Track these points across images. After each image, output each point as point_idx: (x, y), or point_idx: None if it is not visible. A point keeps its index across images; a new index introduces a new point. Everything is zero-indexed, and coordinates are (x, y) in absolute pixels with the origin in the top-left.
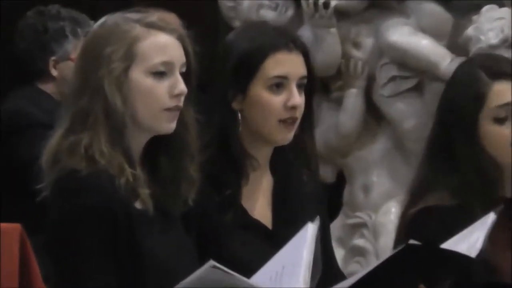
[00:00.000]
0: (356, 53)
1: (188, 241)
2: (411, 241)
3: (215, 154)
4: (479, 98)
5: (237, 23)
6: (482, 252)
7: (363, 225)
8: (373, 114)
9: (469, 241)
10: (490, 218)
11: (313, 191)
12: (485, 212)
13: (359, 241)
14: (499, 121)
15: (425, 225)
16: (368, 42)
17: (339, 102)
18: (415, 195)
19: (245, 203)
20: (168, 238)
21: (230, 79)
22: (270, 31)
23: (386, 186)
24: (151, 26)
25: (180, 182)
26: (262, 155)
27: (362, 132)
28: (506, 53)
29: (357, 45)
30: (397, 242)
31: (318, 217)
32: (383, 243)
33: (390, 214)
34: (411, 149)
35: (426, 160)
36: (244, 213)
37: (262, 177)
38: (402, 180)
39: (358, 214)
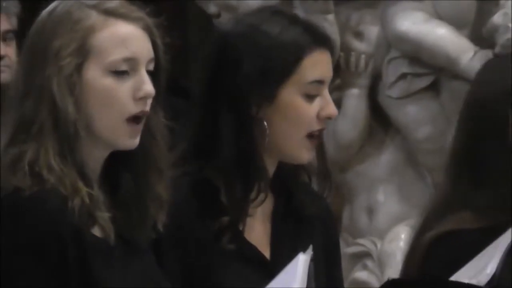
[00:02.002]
0: (358, 45)
1: (157, 273)
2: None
3: (214, 172)
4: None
5: (212, 8)
6: (495, 279)
7: (367, 254)
8: (379, 119)
9: (478, 267)
10: (506, 238)
11: (319, 214)
12: None
13: (361, 274)
14: None
15: (446, 253)
16: (372, 31)
17: (337, 105)
18: (431, 216)
19: (245, 231)
20: (131, 271)
21: (254, 81)
22: (302, 23)
23: (395, 207)
24: (111, 13)
25: (147, 203)
26: (271, 173)
27: (365, 141)
28: None
29: (359, 35)
30: (404, 274)
31: (311, 247)
32: (390, 276)
33: (399, 241)
34: (425, 163)
35: (447, 175)
36: (244, 243)
37: (262, 201)
38: (414, 200)
39: (360, 241)
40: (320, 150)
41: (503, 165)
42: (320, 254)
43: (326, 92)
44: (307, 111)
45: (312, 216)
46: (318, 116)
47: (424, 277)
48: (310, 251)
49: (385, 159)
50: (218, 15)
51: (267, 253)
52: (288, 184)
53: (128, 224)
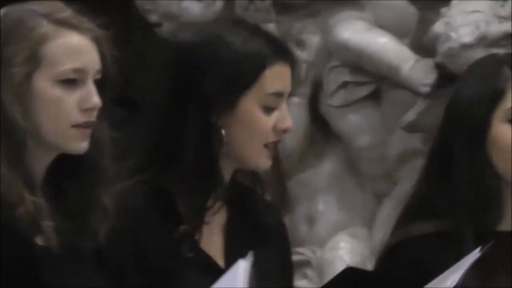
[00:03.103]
0: (299, 54)
1: (98, 283)
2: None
3: (171, 180)
4: (495, 95)
5: (154, 17)
6: None
7: (306, 263)
8: (320, 128)
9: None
10: (472, 256)
11: (273, 224)
12: (475, 245)
13: (301, 283)
14: None
15: (402, 262)
16: (314, 40)
17: None
18: (400, 221)
19: (201, 240)
20: (76, 281)
21: (215, 91)
22: (264, 35)
23: (335, 216)
24: (62, 23)
25: (91, 212)
26: (227, 181)
27: (306, 150)
28: (482, 54)
29: (300, 44)
30: None
31: (250, 253)
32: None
33: (339, 250)
34: (366, 171)
35: (419, 180)
36: (199, 252)
37: (218, 209)
38: (354, 209)
39: (300, 250)
40: (275, 162)
41: (473, 168)
42: (273, 264)
43: (284, 105)
44: (264, 122)
45: (266, 226)
46: (274, 128)
47: (383, 273)
48: (250, 258)
49: (325, 168)
50: (159, 24)
51: (221, 262)
52: (242, 193)
53: (72, 233)
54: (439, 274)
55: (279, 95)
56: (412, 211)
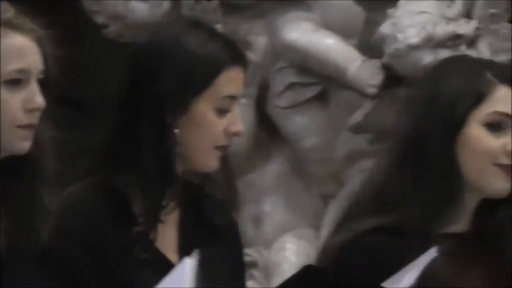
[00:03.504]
0: (246, 55)
1: (46, 284)
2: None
3: (124, 180)
4: (477, 96)
5: (101, 18)
6: None
7: (253, 264)
8: (267, 129)
9: (396, 279)
10: (429, 256)
11: (224, 224)
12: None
13: (248, 284)
14: (492, 128)
15: (356, 256)
16: (261, 41)
17: None
18: (346, 218)
19: (156, 239)
20: (24, 282)
21: (170, 92)
22: (219, 38)
23: (282, 217)
24: (5, 24)
25: (34, 212)
26: (180, 181)
27: (253, 151)
28: (429, 55)
29: (247, 45)
30: None
31: (196, 251)
32: (276, 285)
33: (286, 251)
34: (313, 173)
35: (371, 177)
36: (155, 252)
37: (172, 208)
38: (301, 210)
39: (246, 251)
40: (225, 163)
41: (442, 169)
42: (225, 263)
43: (236, 108)
44: (216, 125)
45: (217, 225)
46: (225, 131)
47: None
48: (195, 255)
49: (272, 169)
50: (106, 26)
51: (176, 261)
52: (194, 193)
53: (16, 234)
54: (393, 269)
55: (232, 98)
56: (360, 208)
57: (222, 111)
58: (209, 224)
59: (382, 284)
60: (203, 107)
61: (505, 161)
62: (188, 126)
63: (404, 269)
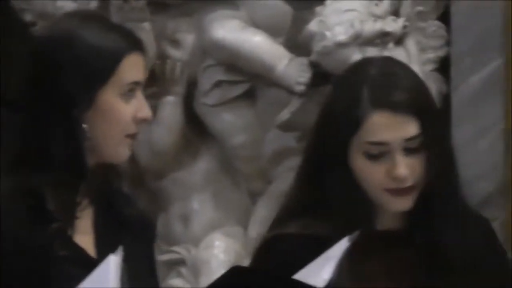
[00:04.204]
0: (174, 53)
1: None
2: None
3: (38, 178)
4: (354, 123)
5: (29, 16)
6: (332, 283)
7: (181, 261)
8: (195, 127)
9: (314, 271)
10: (341, 244)
11: (135, 216)
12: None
13: (175, 281)
14: (371, 156)
15: (274, 253)
16: (188, 39)
17: (153, 113)
18: (278, 219)
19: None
20: None
21: (74, 86)
22: (116, 27)
23: (210, 215)
24: None
25: None
26: (93, 176)
27: (181, 149)
28: (356, 53)
29: (175, 43)
30: None
31: (120, 248)
32: (204, 283)
33: (214, 249)
34: (241, 170)
35: (295, 179)
36: (74, 247)
37: (87, 204)
38: (229, 207)
39: (175, 248)
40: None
41: (339, 181)
42: (138, 256)
43: (141, 95)
44: (124, 113)
45: (130, 218)
46: (134, 119)
47: (267, 270)
48: (120, 252)
49: (200, 167)
50: (34, 24)
51: (94, 256)
52: (105, 187)
53: None
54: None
55: (136, 83)
56: (288, 210)
57: (127, 99)
58: (121, 217)
59: (299, 276)
60: (109, 97)
61: (392, 185)
62: (96, 118)
63: (319, 262)
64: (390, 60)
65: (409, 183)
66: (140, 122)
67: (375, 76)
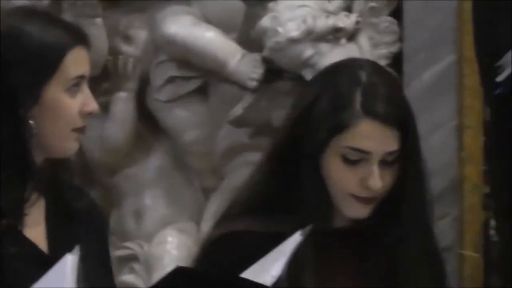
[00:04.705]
0: (126, 49)
1: None
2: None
3: None
4: (339, 126)
5: None
6: (281, 280)
7: (134, 257)
8: (148, 123)
9: (263, 268)
10: (291, 242)
11: (87, 210)
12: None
13: (128, 277)
14: (348, 161)
15: (227, 252)
16: (141, 35)
17: (105, 109)
18: (226, 215)
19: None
20: None
21: (19, 83)
22: (59, 22)
23: (162, 211)
24: None
25: None
26: (41, 171)
27: (133, 145)
28: (309, 49)
29: (128, 39)
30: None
31: (77, 247)
32: (157, 278)
33: (166, 245)
34: (194, 166)
35: (256, 175)
36: (25, 243)
37: (36, 199)
38: (182, 203)
39: (127, 244)
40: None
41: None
42: (91, 251)
43: (86, 88)
44: (70, 107)
45: (81, 212)
46: (80, 113)
47: (211, 270)
48: (77, 251)
49: (153, 163)
50: None
51: (46, 251)
52: (56, 182)
53: None
54: None
55: (81, 78)
56: (240, 206)
57: (73, 93)
58: (73, 211)
59: (248, 273)
60: (54, 92)
61: (361, 193)
62: (42, 114)
63: (270, 257)
64: (377, 67)
65: (377, 193)
66: (87, 115)
67: (366, 83)
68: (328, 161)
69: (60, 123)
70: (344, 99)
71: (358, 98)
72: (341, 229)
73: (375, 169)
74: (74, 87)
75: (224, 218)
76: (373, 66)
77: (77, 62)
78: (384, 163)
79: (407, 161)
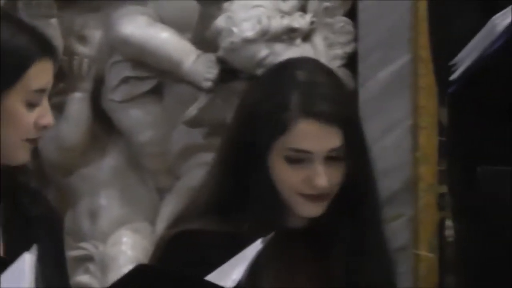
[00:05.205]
0: (81, 49)
1: None
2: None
3: None
4: (280, 127)
5: None
6: (241, 283)
7: (89, 258)
8: (102, 123)
9: (225, 272)
10: (254, 247)
11: (43, 211)
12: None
13: (83, 278)
14: (291, 161)
15: (184, 250)
16: (96, 35)
17: (60, 109)
18: (183, 215)
19: None
20: None
21: None
22: (27, 29)
23: (117, 211)
24: None
25: None
26: None
27: (88, 145)
28: (264, 49)
29: (83, 39)
30: None
31: (35, 246)
32: (112, 279)
33: (121, 245)
34: (148, 167)
35: (210, 175)
36: None
37: None
38: (137, 204)
39: (82, 245)
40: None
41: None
42: (47, 252)
43: (45, 101)
44: (26, 119)
45: (37, 214)
46: (35, 125)
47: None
48: (34, 251)
49: (108, 163)
50: None
51: (2, 254)
52: (11, 185)
53: None
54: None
55: (42, 91)
56: (196, 206)
57: (31, 105)
58: (29, 214)
59: (210, 277)
60: (13, 102)
61: (308, 192)
62: None
63: (231, 263)
64: (317, 66)
65: (325, 191)
66: (41, 129)
67: (304, 82)
68: (273, 162)
69: (13, 132)
70: (282, 100)
71: (296, 99)
72: (298, 229)
73: (320, 168)
74: (33, 99)
75: (180, 218)
76: (313, 65)
77: (40, 75)
78: (329, 159)
79: (353, 157)
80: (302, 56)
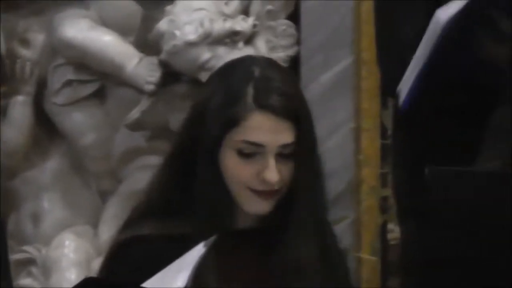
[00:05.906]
0: (24, 52)
1: None
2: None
3: None
4: (232, 120)
5: None
6: None
7: (31, 261)
8: (45, 126)
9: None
10: (195, 252)
11: None
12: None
13: (26, 281)
14: (243, 155)
15: (130, 256)
16: (39, 38)
17: (2, 112)
18: (131, 219)
19: None
20: None
21: None
22: None
23: (60, 214)
24: None
25: None
26: None
27: (31, 148)
28: (206, 52)
29: (25, 42)
30: (100, 273)
31: None
32: (55, 282)
33: (64, 248)
34: (91, 170)
35: (157, 177)
36: None
37: None
38: (79, 207)
39: (25, 248)
40: None
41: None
42: None
43: None
44: None
45: None
46: None
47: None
48: None
49: (50, 166)
50: None
51: None
52: None
53: None
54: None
55: None
56: (144, 209)
57: None
58: None
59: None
60: None
61: (258, 187)
62: None
63: (173, 267)
64: (272, 63)
65: (276, 187)
66: None
67: (259, 77)
68: (224, 156)
69: None
70: (236, 93)
71: (250, 91)
72: (246, 230)
73: (271, 162)
74: None
75: (128, 222)
76: (267, 61)
77: None
78: (281, 156)
79: (301, 154)
80: (256, 54)
